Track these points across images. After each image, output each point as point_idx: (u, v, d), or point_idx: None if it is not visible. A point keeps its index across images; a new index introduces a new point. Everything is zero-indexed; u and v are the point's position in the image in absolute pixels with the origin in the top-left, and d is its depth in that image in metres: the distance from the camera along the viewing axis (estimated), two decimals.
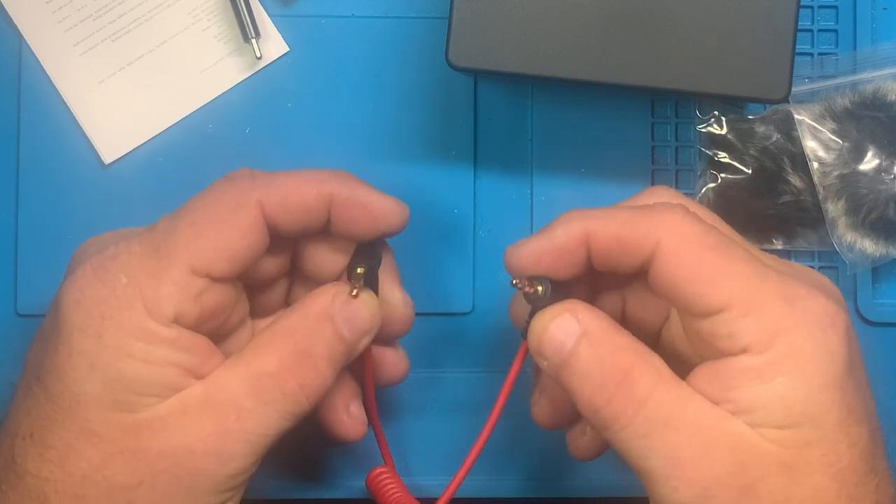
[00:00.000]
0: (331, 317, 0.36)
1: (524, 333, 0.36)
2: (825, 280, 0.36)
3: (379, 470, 0.42)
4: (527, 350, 0.37)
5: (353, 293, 0.36)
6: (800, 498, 0.32)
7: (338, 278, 0.40)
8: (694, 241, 0.34)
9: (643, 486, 0.34)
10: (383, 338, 0.40)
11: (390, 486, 0.42)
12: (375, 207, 0.37)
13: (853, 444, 0.33)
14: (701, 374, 0.34)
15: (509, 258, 0.36)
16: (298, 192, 0.36)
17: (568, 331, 0.35)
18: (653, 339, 0.39)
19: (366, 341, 0.37)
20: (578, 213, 0.36)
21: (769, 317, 0.33)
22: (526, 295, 0.36)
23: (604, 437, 0.35)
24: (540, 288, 0.35)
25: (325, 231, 0.38)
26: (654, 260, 0.34)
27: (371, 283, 0.38)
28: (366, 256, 0.38)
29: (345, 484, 0.47)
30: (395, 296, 0.40)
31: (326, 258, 0.40)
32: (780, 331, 0.33)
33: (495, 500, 0.46)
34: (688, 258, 0.34)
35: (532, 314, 0.36)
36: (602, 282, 0.39)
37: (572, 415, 0.39)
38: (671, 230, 0.34)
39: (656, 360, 0.34)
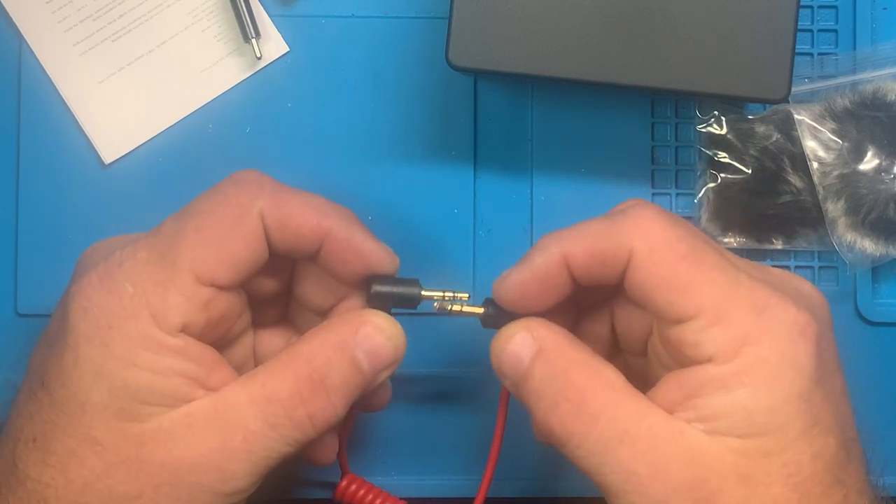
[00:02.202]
0: (352, 347, 0.35)
1: None
2: (805, 285, 0.36)
3: (344, 483, 0.42)
4: None
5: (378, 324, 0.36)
6: None
7: (327, 305, 0.39)
8: (666, 249, 0.34)
9: (605, 499, 0.34)
10: None
11: (362, 494, 0.42)
12: (369, 255, 0.37)
13: (817, 455, 0.33)
14: (667, 382, 0.34)
15: (498, 293, 0.36)
16: (299, 215, 0.36)
17: (525, 349, 0.35)
18: (644, 347, 0.39)
19: (386, 374, 0.37)
20: (553, 237, 0.35)
21: (736, 327, 0.33)
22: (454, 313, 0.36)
23: (562, 454, 0.34)
24: (483, 310, 0.36)
25: (310, 261, 0.38)
26: (628, 268, 0.34)
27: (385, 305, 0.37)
28: (386, 284, 0.37)
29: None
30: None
31: (319, 281, 0.39)
32: (746, 341, 0.33)
33: (496, 500, 0.46)
34: (659, 267, 0.34)
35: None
36: (590, 296, 0.38)
37: None
38: (643, 237, 0.34)
39: (611, 375, 0.34)
